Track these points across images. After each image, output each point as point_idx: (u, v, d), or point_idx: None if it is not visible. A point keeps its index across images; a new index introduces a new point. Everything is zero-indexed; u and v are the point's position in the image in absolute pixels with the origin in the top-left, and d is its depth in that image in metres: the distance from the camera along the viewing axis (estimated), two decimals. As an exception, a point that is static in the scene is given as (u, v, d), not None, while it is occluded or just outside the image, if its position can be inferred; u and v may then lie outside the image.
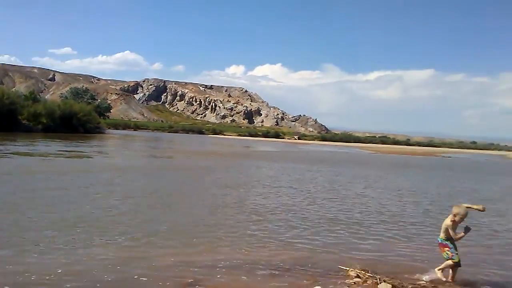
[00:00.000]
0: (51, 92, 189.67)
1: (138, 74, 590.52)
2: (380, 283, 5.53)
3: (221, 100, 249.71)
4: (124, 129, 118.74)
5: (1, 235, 6.92)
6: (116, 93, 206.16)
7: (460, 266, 5.83)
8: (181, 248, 6.90)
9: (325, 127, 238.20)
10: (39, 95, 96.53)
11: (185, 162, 25.88)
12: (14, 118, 50.11)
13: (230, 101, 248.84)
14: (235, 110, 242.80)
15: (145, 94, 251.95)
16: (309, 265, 6.28)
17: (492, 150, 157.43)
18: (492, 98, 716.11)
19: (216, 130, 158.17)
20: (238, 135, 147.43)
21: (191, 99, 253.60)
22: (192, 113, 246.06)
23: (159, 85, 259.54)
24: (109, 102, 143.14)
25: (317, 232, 8.55)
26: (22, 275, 5.22)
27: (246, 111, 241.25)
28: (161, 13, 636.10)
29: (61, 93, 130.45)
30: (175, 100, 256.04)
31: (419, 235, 8.91)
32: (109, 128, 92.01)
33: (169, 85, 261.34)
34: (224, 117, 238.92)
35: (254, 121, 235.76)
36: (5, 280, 5.06)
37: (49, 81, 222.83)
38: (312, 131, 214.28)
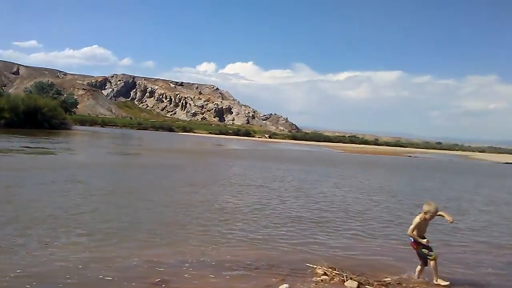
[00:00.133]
0: (15, 86, 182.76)
1: (107, 69, 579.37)
2: (346, 280, 5.60)
3: (192, 97, 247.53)
4: (91, 125, 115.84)
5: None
6: (83, 89, 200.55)
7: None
8: (146, 247, 6.76)
9: (296, 126, 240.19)
10: (2, 89, 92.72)
11: (153, 160, 25.48)
12: (-26, 112, 48.14)
13: (201, 99, 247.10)
14: (206, 108, 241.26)
15: (113, 90, 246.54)
16: (277, 264, 6.27)
17: (457, 150, 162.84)
18: (458, 100, 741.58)
19: (186, 128, 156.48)
20: (208, 133, 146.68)
21: (161, 96, 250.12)
22: (162, 110, 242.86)
23: (128, 81, 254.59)
24: (76, 97, 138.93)
25: (285, 231, 8.58)
26: (-23, 277, 4.97)
27: (217, 109, 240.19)
28: (131, 7, 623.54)
29: (26, 88, 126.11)
30: (145, 97, 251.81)
31: (384, 233, 9.10)
32: (75, 124, 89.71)
33: (138, 81, 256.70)
34: (194, 114, 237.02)
35: (225, 119, 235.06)
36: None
37: (13, 75, 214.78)
38: (283, 130, 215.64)
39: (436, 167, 43.48)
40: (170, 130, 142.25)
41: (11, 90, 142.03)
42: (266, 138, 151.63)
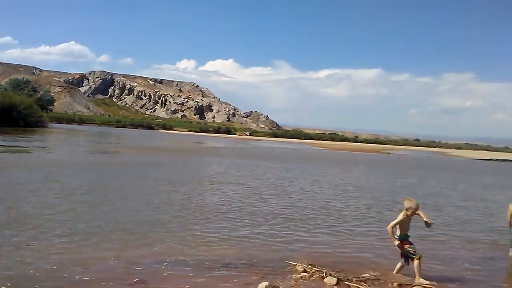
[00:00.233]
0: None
1: (84, 66, 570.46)
2: (326, 277, 5.65)
3: (172, 95, 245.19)
4: (68, 123, 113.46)
5: None
6: (60, 86, 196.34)
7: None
8: (124, 247, 6.66)
9: (276, 123, 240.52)
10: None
11: (132, 158, 25.16)
12: None
13: (181, 96, 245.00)
14: (186, 105, 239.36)
15: (91, 87, 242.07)
16: (257, 262, 6.27)
17: (434, 147, 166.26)
18: (435, 97, 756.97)
19: (166, 126, 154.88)
20: (189, 131, 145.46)
21: (140, 93, 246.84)
22: (141, 107, 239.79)
23: (106, 78, 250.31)
24: (52, 94, 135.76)
25: (264, 229, 8.59)
26: None
27: (197, 107, 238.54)
28: (109, 3, 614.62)
29: (0, 85, 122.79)
30: (123, 94, 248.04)
31: (363, 229, 9.20)
32: (52, 122, 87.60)
33: (116, 78, 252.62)
34: (174, 112, 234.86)
35: (205, 116, 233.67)
36: None
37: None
38: (263, 127, 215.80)
39: (415, 164, 44.23)
40: (150, 128, 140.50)
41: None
42: (247, 135, 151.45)
